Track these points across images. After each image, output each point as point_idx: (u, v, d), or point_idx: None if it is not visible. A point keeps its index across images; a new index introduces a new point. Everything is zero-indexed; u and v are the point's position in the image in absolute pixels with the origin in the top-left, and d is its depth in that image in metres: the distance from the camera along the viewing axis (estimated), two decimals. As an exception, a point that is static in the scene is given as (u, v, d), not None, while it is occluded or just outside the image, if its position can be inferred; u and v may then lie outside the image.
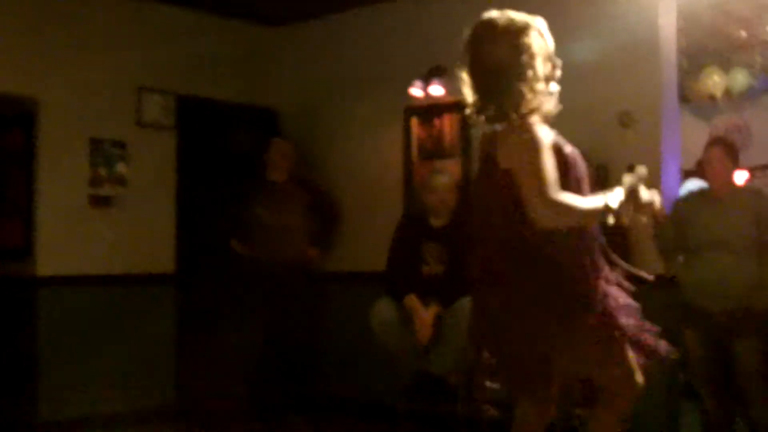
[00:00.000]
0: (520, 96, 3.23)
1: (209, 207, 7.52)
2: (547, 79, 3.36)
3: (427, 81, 7.09)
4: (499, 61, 3.27)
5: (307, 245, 7.34)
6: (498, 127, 3.33)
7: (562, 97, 6.29)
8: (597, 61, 6.23)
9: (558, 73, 3.39)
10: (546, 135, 3.26)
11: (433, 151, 7.20)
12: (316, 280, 7.43)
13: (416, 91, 7.13)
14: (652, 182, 5.70)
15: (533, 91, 3.27)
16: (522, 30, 3.30)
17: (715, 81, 9.54)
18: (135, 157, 7.30)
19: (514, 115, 3.22)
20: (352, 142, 7.73)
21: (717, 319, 5.26)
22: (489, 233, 3.41)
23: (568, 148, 3.34)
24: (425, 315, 5.96)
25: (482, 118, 3.36)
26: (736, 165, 5.58)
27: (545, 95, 3.35)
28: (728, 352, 5.32)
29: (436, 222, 6.30)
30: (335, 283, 7.60)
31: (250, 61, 8.24)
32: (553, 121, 6.19)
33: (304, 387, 7.27)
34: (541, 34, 3.36)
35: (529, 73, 3.25)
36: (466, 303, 5.77)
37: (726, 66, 9.72)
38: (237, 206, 7.31)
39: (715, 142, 5.74)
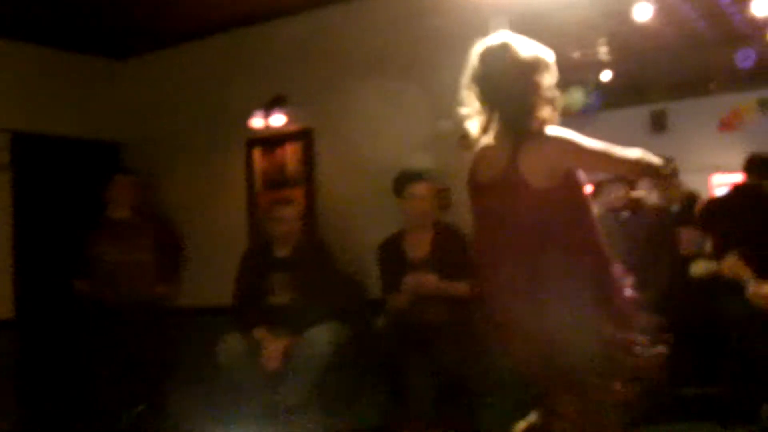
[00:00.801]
0: (534, 114, 3.37)
1: (50, 247, 7.28)
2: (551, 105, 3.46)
3: (268, 111, 7.05)
4: (511, 85, 3.39)
5: (154, 281, 7.18)
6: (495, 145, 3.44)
7: (405, 124, 6.41)
8: (436, 90, 6.31)
9: (558, 102, 3.48)
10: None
11: (277, 180, 7.18)
12: (164, 316, 7.26)
13: (257, 121, 7.08)
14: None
15: (541, 113, 3.40)
16: (533, 64, 3.42)
17: (553, 100, 9.80)
18: (-33, 200, 6.99)
19: (532, 128, 3.36)
20: (195, 174, 7.65)
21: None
22: (515, 253, 3.38)
23: None
24: (275, 346, 5.88)
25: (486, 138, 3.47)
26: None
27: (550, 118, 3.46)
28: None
29: (282, 252, 6.25)
30: (182, 318, 7.42)
31: (90, 95, 8.03)
32: (396, 149, 6.30)
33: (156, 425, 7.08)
34: (549, 68, 3.47)
35: (539, 98, 3.39)
36: (315, 332, 5.83)
37: (563, 85, 10.00)
38: (79, 245, 7.07)
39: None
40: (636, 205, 7.90)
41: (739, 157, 7.34)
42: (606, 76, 10.75)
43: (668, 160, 3.45)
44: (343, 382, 6.01)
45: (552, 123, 3.42)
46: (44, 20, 7.04)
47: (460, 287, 5.57)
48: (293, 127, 7.04)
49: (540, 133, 3.35)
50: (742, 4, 8.71)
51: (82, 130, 7.90)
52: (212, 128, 7.53)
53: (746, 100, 12.39)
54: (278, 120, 7.00)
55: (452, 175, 6.23)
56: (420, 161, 6.09)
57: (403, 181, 5.91)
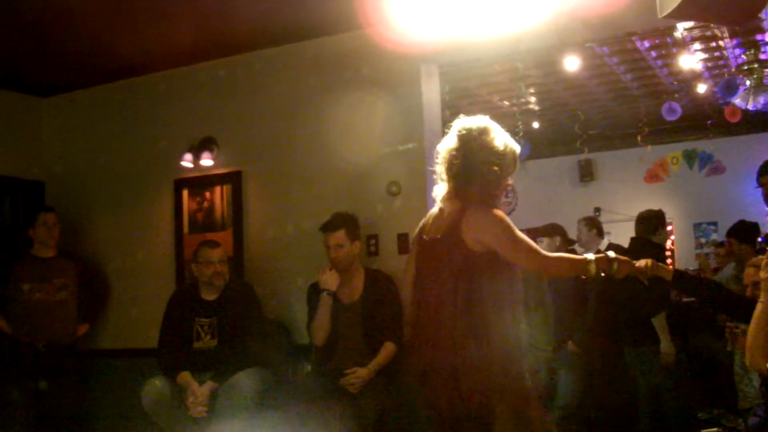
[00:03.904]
0: (492, 187, 3.77)
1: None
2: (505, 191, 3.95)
3: (197, 152, 7.00)
4: (481, 161, 3.74)
5: (75, 322, 7.05)
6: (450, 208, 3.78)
7: (335, 167, 6.43)
8: (365, 136, 6.36)
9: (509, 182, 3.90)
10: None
11: (205, 223, 7.11)
12: (84, 357, 7.13)
13: (186, 162, 7.03)
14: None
15: (499, 187, 3.81)
16: (502, 154, 3.78)
17: (482, 148, 9.90)
18: None
19: (483, 201, 3.72)
20: (121, 215, 7.53)
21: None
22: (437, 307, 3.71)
23: None
24: (199, 392, 5.80)
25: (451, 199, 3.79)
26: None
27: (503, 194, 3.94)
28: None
29: (209, 295, 6.17)
30: (105, 360, 7.31)
31: (14, 132, 7.90)
32: (325, 193, 6.31)
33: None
34: (515, 161, 3.87)
35: (500, 174, 3.78)
36: (240, 378, 5.76)
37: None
38: (0, 282, 6.91)
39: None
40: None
41: (666, 207, 7.51)
42: (535, 125, 10.91)
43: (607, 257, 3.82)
44: (268, 428, 5.94)
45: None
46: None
47: (389, 352, 5.74)
48: (222, 169, 7.00)
49: (487, 207, 3.68)
50: (668, 58, 8.91)
51: (6, 167, 7.76)
52: (139, 168, 7.45)
53: (672, 151, 12.66)
54: (207, 161, 6.95)
55: (380, 222, 6.26)
56: (348, 207, 6.10)
57: (325, 227, 5.92)
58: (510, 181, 3.86)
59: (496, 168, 3.73)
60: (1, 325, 6.82)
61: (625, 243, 8.13)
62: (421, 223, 4.01)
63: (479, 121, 3.83)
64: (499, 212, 3.67)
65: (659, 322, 6.58)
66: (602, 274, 3.75)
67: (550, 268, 3.75)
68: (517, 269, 3.73)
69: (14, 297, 6.85)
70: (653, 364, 6.63)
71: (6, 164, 7.75)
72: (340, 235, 5.84)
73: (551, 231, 7.59)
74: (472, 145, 3.74)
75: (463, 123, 3.84)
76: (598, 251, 3.86)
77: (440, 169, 3.84)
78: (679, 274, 4.36)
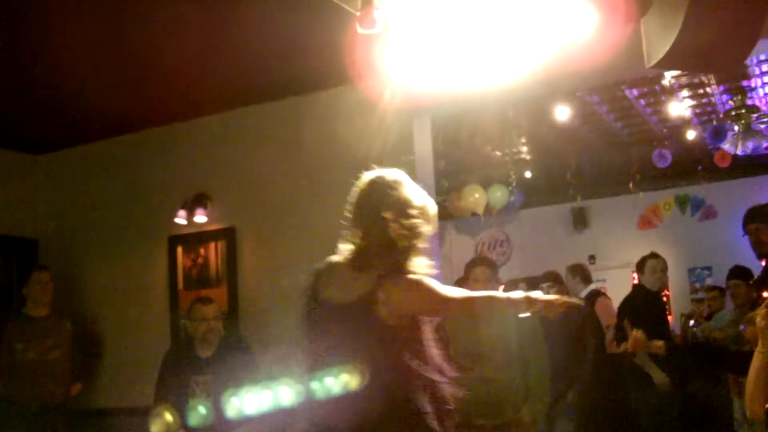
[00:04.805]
0: (405, 255, 3.41)
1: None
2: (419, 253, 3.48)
3: (191, 209, 7.01)
4: (396, 211, 3.40)
5: (69, 381, 7.00)
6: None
7: (329, 222, 6.41)
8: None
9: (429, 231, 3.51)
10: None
11: (199, 279, 7.11)
12: (79, 418, 7.05)
13: (180, 219, 7.03)
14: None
15: (415, 245, 3.42)
16: (417, 208, 3.45)
17: (476, 198, 9.97)
18: None
19: (399, 266, 3.39)
20: (115, 272, 7.53)
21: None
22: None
23: None
24: (197, 454, 5.76)
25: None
26: (498, 281, 5.78)
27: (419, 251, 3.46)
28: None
29: (204, 352, 6.13)
30: (99, 420, 7.24)
31: (7, 189, 7.89)
32: (322, 251, 6.28)
33: None
34: (431, 219, 3.49)
35: (417, 230, 3.42)
36: (237, 434, 5.72)
37: (485, 183, 10.18)
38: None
39: (478, 261, 5.91)
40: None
41: (660, 253, 7.52)
42: (527, 174, 10.94)
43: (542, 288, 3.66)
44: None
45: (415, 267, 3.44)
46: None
47: None
48: (216, 225, 7.00)
49: (403, 274, 3.38)
50: (657, 105, 8.97)
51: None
52: (134, 224, 7.47)
53: (664, 197, 12.69)
54: (201, 218, 6.96)
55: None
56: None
57: None
58: (425, 244, 3.49)
59: (413, 220, 3.39)
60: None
61: (618, 290, 8.17)
62: (314, 271, 3.67)
63: (394, 172, 3.53)
64: (415, 276, 3.36)
65: (640, 358, 6.55)
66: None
67: (480, 308, 3.61)
68: (431, 338, 3.43)
69: (6, 357, 6.80)
70: (649, 408, 6.60)
71: (-1, 222, 7.76)
72: None
73: (553, 279, 7.60)
74: (384, 193, 3.43)
75: (377, 172, 3.54)
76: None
77: (348, 221, 3.54)
78: (670, 351, 4.34)
